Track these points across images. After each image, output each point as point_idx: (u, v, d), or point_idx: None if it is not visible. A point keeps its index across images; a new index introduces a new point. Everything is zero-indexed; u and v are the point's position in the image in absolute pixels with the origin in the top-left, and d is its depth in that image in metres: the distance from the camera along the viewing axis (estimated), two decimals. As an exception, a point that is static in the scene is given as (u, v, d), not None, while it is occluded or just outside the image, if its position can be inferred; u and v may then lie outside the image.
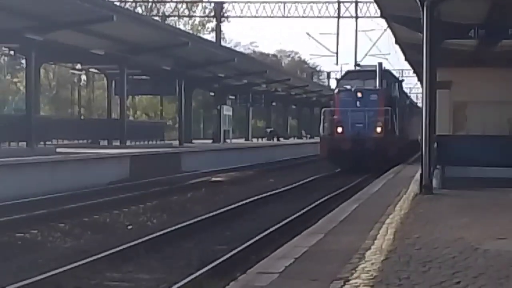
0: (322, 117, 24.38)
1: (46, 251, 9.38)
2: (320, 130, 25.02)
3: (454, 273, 5.33)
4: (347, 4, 38.82)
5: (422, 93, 13.45)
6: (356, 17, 39.11)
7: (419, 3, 11.67)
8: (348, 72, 25.64)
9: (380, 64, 23.56)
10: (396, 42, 19.96)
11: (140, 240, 9.37)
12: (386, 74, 24.16)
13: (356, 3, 36.60)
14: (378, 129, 21.66)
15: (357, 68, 26.10)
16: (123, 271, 7.86)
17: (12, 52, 24.24)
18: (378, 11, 17.17)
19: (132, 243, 9.08)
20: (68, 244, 10.11)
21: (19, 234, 10.66)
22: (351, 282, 4.86)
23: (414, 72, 29.29)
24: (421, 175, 12.42)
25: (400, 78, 31.88)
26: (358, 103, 22.04)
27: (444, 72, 14.87)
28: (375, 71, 23.02)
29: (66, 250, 9.49)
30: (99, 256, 8.11)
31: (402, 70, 40.27)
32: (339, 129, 22.32)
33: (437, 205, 11.02)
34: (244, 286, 5.00)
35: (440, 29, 12.81)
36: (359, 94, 22.10)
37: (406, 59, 24.32)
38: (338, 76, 35.68)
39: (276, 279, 5.11)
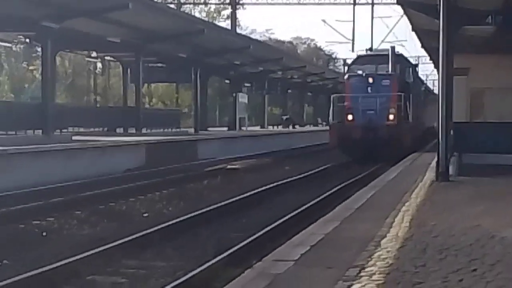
0: (331, 103, 23.49)
1: (62, 239, 9.55)
2: (329, 117, 24.05)
3: (470, 261, 5.39)
4: None
5: (439, 79, 13.30)
6: (372, 4, 38.88)
7: None
8: (359, 57, 24.30)
9: (393, 48, 22.51)
10: (413, 29, 19.51)
11: (156, 228, 9.48)
12: (399, 59, 23.04)
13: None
14: (391, 116, 20.43)
15: (369, 52, 24.88)
16: (140, 258, 7.99)
17: (27, 40, 24.08)
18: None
19: (148, 231, 9.19)
20: (84, 231, 10.25)
21: (35, 222, 10.84)
22: (366, 269, 4.93)
23: (431, 59, 27.94)
24: (438, 162, 12.39)
25: (415, 63, 30.46)
26: (369, 89, 20.96)
27: (461, 59, 14.87)
28: (387, 55, 21.88)
29: (82, 237, 9.62)
30: (115, 243, 8.23)
31: (419, 57, 39.02)
32: (350, 117, 21.28)
33: (453, 193, 10.95)
34: (260, 274, 5.01)
35: (457, 16, 12.76)
36: (371, 80, 20.95)
37: (422, 46, 23.39)
38: (353, 62, 34.14)
39: (292, 266, 5.17)
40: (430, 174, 13.26)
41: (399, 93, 20.44)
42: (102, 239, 8.94)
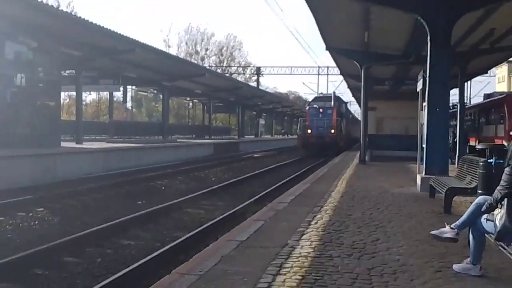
0: (299, 123, 34.86)
1: (172, 190, 13.85)
2: (297, 131, 36.31)
3: (376, 204, 8.22)
4: (323, 68, 56.46)
5: (361, 112, 21.28)
6: (328, 74, 56.03)
7: (359, 66, 18.17)
8: (315, 98, 35.86)
9: (334, 92, 33.13)
10: (348, 87, 33.57)
11: (218, 185, 13.99)
12: (337, 98, 32.97)
13: (328, 68, 54.53)
14: (332, 130, 28.92)
15: (321, 95, 37.00)
16: (211, 200, 11.73)
17: (155, 91, 37.17)
18: (339, 71, 28.07)
19: (214, 187, 13.57)
20: (182, 187, 14.67)
21: (158, 182, 15.25)
22: (324, 207, 7.65)
23: (357, 101, 40.41)
24: (360, 154, 19.26)
25: (346, 101, 42.25)
26: (320, 115, 29.55)
27: (372, 102, 22.96)
28: (331, 96, 32.05)
29: (182, 190, 13.92)
30: (198, 193, 12.21)
31: (351, 101, 53.44)
32: (309, 131, 29.56)
33: (368, 170, 15.96)
34: (269, 209, 7.64)
35: (370, 80, 20.24)
36: (321, 110, 29.84)
37: (353, 95, 38.75)
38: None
39: (286, 205, 7.93)
40: (355, 161, 19.34)
41: (337, 118, 29.76)
42: (191, 190, 13.07)
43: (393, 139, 24.46)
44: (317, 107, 30.56)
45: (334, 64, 26.43)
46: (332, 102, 30.70)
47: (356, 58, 18.37)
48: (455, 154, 17.34)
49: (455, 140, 20.77)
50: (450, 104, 28.78)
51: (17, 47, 15.36)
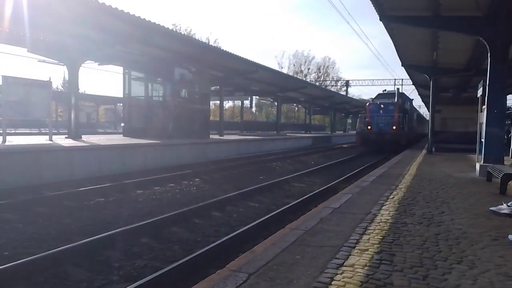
0: (358, 119, 24.45)
1: (282, 170, 13.43)
2: (356, 127, 25.38)
3: (441, 184, 7.56)
4: (398, 80, 51.57)
5: (430, 114, 19.48)
6: (402, 85, 51.27)
7: (428, 78, 16.82)
8: (378, 95, 24.70)
9: (398, 89, 23.29)
10: (418, 94, 30.01)
11: (316, 167, 13.45)
12: (401, 95, 23.78)
13: (402, 80, 49.02)
14: (393, 127, 20.84)
15: (385, 91, 25.31)
16: (310, 177, 11.41)
17: (271, 99, 35.82)
18: (411, 82, 25.75)
19: (313, 168, 13.18)
20: (290, 167, 14.34)
21: (274, 163, 15.28)
22: (399, 186, 7.23)
23: (426, 106, 36.17)
24: (427, 146, 17.51)
25: (412, 98, 30.37)
26: (381, 111, 21.42)
27: (438, 106, 20.28)
28: (394, 93, 23.01)
29: (289, 170, 13.39)
30: (301, 172, 11.97)
31: (420, 105, 48.64)
32: (369, 127, 21.60)
33: (434, 158, 14.27)
34: (356, 185, 7.39)
35: (437, 88, 17.99)
36: (382, 106, 21.54)
37: (422, 100, 34.71)
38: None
39: (369, 184, 7.60)
40: (424, 151, 17.37)
41: (399, 114, 21.05)
42: (297, 170, 12.81)
43: (455, 134, 21.34)
44: (378, 103, 22.28)
45: (407, 77, 24.15)
46: (396, 99, 22.28)
47: (426, 72, 16.90)
48: (510, 147, 15.54)
49: (509, 136, 18.61)
50: (508, 107, 26.22)
51: (181, 71, 16.54)
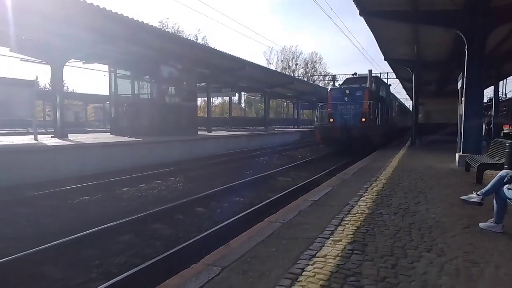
0: (317, 111, 18.15)
1: (268, 165, 13.23)
2: (314, 121, 18.93)
3: (421, 175, 7.62)
4: (383, 74, 48.29)
5: (413, 107, 19.26)
6: (387, 78, 45.37)
7: (411, 72, 17.26)
8: (347, 79, 19.31)
9: (370, 70, 17.23)
10: (403, 87, 30.87)
11: (302, 161, 13.23)
12: (375, 79, 18.19)
13: (387, 73, 43.69)
14: (362, 119, 15.18)
15: (355, 76, 19.66)
16: (296, 171, 11.25)
17: (260, 95, 37.12)
18: (395, 75, 25.49)
19: (299, 162, 12.91)
20: (277, 162, 14.41)
21: (257, 159, 15.17)
22: (379, 178, 7.29)
23: (410, 99, 36.01)
24: (411, 138, 18.07)
25: (389, 84, 25.15)
26: (346, 98, 15.53)
27: (421, 99, 21.12)
28: (366, 77, 17.30)
29: (276, 164, 13.33)
30: (287, 166, 11.91)
31: (406, 98, 47.87)
32: (331, 120, 15.87)
33: (417, 150, 14.30)
34: (337, 178, 7.44)
35: (420, 82, 18.46)
36: (347, 91, 15.61)
37: (407, 93, 35.22)
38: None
39: (350, 176, 7.63)
40: (408, 143, 17.85)
41: (370, 101, 15.30)
42: (283, 164, 12.84)
43: (438, 127, 20.02)
44: (343, 87, 16.42)
45: (391, 70, 24.34)
46: (368, 83, 16.56)
47: (408, 66, 17.14)
48: (490, 137, 15.81)
49: (490, 126, 19.00)
50: (488, 98, 26.68)
51: (168, 69, 16.41)
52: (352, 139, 15.07)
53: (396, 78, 26.89)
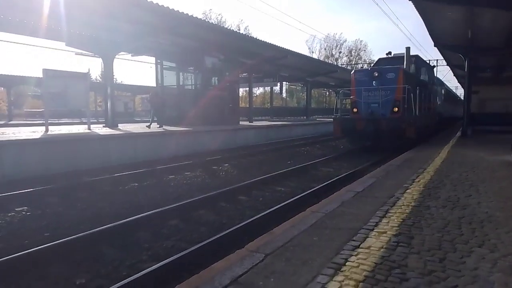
0: (336, 97, 16.05)
1: (311, 154, 13.24)
2: (334, 111, 14.46)
3: (473, 167, 7.21)
4: (433, 61, 45.90)
5: (464, 94, 17.56)
6: (437, 66, 42.72)
7: (463, 58, 15.64)
8: (379, 60, 15.04)
9: (408, 48, 13.83)
10: (454, 75, 27.69)
11: (345, 151, 12.54)
12: (415, 59, 14.96)
13: (437, 60, 43.53)
14: (395, 109, 12.03)
15: (388, 56, 15.43)
16: (339, 161, 10.94)
17: (302, 85, 35.36)
18: (445, 62, 22.64)
19: (342, 153, 12.42)
20: (319, 152, 14.00)
21: (302, 148, 15.23)
22: (427, 169, 6.99)
23: (462, 87, 31.93)
24: (462, 128, 16.33)
25: (432, 65, 20.02)
26: (374, 82, 12.30)
27: (475, 86, 18.99)
28: (403, 56, 13.87)
29: (318, 154, 13.24)
30: (329, 156, 11.73)
31: (457, 86, 42.23)
32: (354, 109, 12.89)
33: (468, 141, 13.41)
34: (382, 169, 7.21)
35: (473, 69, 16.71)
36: (376, 74, 12.28)
37: (458, 81, 31.28)
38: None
39: (396, 167, 7.38)
40: (458, 133, 16.58)
41: (405, 87, 11.93)
42: (325, 155, 12.77)
43: (494, 116, 19.09)
44: (370, 69, 13.15)
45: (442, 58, 23.09)
46: (405, 64, 13.38)
47: (460, 52, 15.99)
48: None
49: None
50: None
51: (211, 59, 16.66)
52: (380, 134, 12.04)
53: (447, 65, 25.07)
